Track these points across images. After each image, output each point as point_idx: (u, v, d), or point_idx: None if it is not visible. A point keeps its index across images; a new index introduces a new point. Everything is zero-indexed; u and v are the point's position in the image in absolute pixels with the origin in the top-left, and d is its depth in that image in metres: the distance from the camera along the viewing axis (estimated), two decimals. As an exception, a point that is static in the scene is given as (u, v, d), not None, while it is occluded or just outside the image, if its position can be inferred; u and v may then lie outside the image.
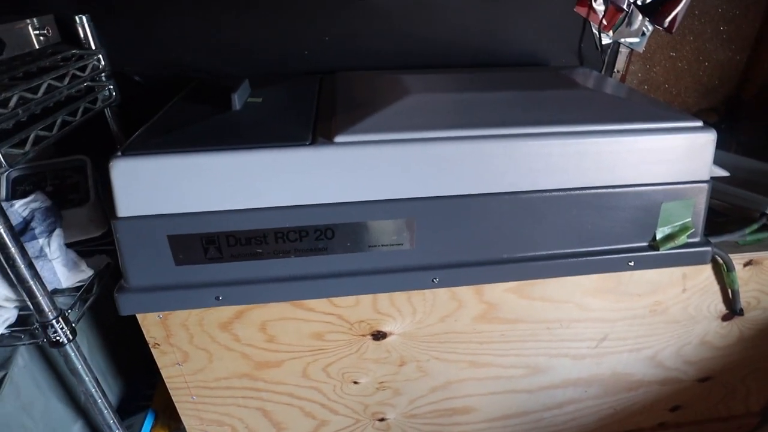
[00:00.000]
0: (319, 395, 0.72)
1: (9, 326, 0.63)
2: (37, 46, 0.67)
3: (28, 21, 0.65)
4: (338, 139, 0.55)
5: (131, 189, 0.54)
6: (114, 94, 0.75)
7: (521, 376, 0.76)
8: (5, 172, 0.70)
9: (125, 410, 0.82)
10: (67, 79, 0.64)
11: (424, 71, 0.78)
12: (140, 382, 0.87)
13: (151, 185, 0.54)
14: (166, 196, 0.54)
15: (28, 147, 0.56)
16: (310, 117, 0.62)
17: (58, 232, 0.66)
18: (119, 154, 0.53)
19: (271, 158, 0.54)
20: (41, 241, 0.65)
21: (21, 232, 0.66)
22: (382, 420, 0.77)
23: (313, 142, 0.55)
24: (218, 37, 0.78)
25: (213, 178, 0.54)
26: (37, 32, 0.66)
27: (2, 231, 0.51)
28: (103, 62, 0.72)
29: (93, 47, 0.71)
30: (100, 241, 0.71)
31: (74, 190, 0.71)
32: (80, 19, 0.70)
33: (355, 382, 0.71)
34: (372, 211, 0.57)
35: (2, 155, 0.52)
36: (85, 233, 0.71)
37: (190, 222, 0.55)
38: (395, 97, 0.63)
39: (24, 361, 0.67)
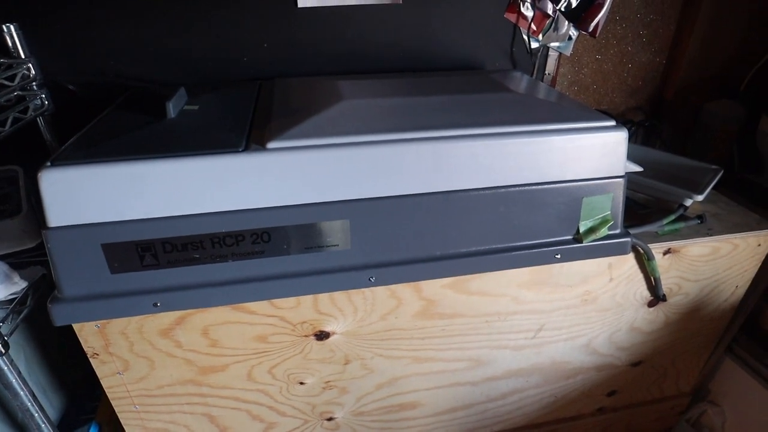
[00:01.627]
0: (266, 398, 0.73)
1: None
2: (-39, 56, 0.66)
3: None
4: (270, 145, 0.56)
5: (61, 199, 0.53)
6: (47, 103, 0.73)
7: (464, 369, 0.78)
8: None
9: (69, 424, 0.80)
10: (-6, 90, 0.63)
11: (362, 77, 0.80)
12: (84, 394, 0.85)
13: (82, 195, 0.53)
14: (99, 205, 0.54)
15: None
16: (245, 124, 0.63)
17: (-12, 245, 0.64)
18: (48, 164, 0.53)
19: (204, 165, 0.55)
20: (-29, 254, 0.64)
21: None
22: (330, 419, 0.78)
23: (246, 149, 0.56)
24: (155, 44, 0.78)
25: (145, 187, 0.54)
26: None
27: None
28: (33, 71, 0.71)
29: (22, 56, 0.70)
30: (34, 252, 0.70)
31: (6, 201, 0.70)
32: (8, 28, 0.69)
33: (301, 383, 0.72)
34: (306, 214, 0.58)
35: None
36: (18, 245, 0.70)
37: (125, 230, 0.55)
38: (329, 103, 0.65)
39: (-46, 379, 0.65)
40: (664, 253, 0.75)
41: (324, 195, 0.58)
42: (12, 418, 0.72)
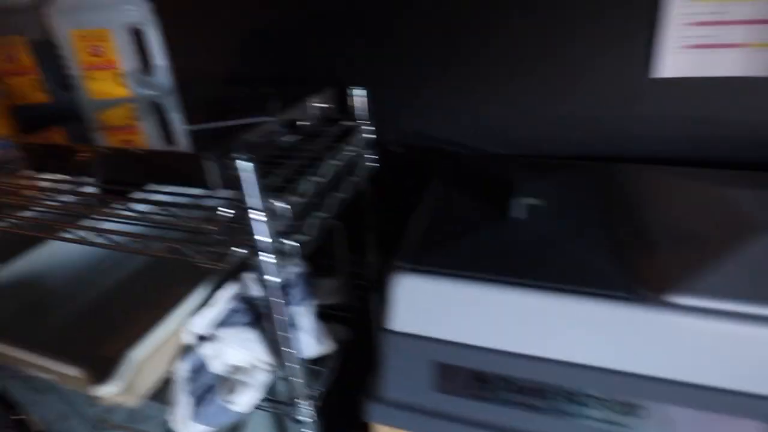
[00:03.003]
0: None
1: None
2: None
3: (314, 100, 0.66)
4: (676, 299, 0.42)
5: (406, 305, 0.49)
6: (375, 165, 0.73)
7: None
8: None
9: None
10: (341, 155, 0.63)
11: (749, 176, 0.60)
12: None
13: (428, 306, 0.49)
14: (440, 320, 0.49)
15: (314, 234, 0.55)
16: (611, 243, 0.50)
17: (311, 301, 0.66)
18: (401, 265, 0.49)
19: (573, 307, 0.44)
20: (294, 308, 0.66)
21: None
22: None
23: (633, 296, 0.43)
24: (480, 111, 0.71)
25: (497, 314, 0.46)
26: (318, 106, 0.67)
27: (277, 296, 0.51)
28: (372, 135, 0.71)
29: (364, 120, 0.70)
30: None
31: (324, 255, 0.72)
32: (357, 92, 0.69)
33: None
34: (701, 399, 0.43)
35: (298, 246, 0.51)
36: (330, 299, 0.71)
37: (462, 353, 0.49)
38: (737, 234, 0.47)
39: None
40: None
41: (737, 381, 0.42)
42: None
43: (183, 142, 0.53)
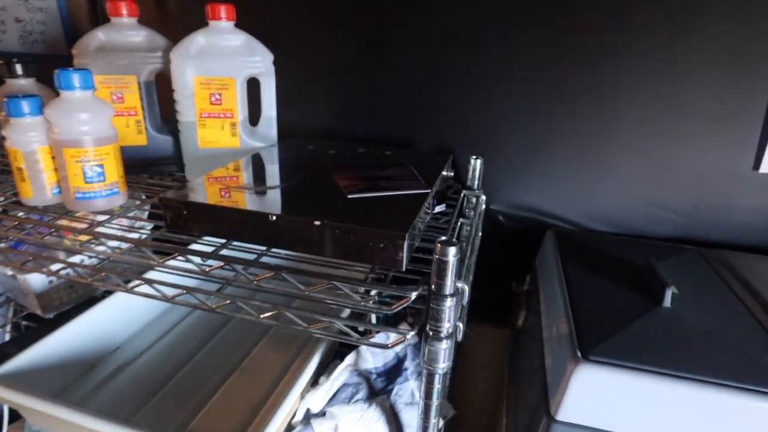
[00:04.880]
0: None
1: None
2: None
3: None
4: None
5: (582, 396, 0.48)
6: (479, 233, 0.72)
7: None
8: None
9: None
10: (466, 228, 0.62)
11: None
12: None
13: (603, 398, 0.48)
14: (614, 413, 0.48)
15: (465, 313, 0.53)
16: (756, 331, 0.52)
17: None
18: (580, 356, 0.48)
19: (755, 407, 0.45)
20: (412, 383, 0.63)
21: (394, 370, 0.64)
22: None
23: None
24: (584, 192, 0.73)
25: (669, 408, 0.47)
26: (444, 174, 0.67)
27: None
28: (483, 205, 0.70)
29: (476, 188, 0.70)
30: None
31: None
32: (474, 161, 0.69)
33: None
34: None
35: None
36: (432, 374, 0.68)
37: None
38: None
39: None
40: None
41: None
42: None
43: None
